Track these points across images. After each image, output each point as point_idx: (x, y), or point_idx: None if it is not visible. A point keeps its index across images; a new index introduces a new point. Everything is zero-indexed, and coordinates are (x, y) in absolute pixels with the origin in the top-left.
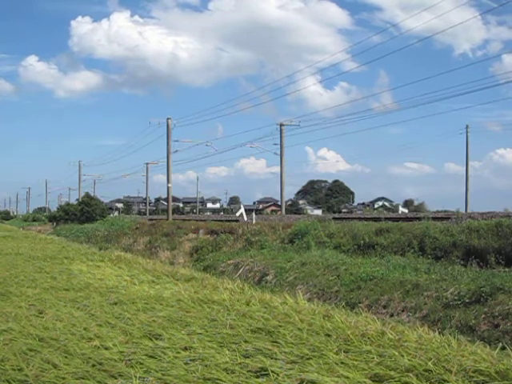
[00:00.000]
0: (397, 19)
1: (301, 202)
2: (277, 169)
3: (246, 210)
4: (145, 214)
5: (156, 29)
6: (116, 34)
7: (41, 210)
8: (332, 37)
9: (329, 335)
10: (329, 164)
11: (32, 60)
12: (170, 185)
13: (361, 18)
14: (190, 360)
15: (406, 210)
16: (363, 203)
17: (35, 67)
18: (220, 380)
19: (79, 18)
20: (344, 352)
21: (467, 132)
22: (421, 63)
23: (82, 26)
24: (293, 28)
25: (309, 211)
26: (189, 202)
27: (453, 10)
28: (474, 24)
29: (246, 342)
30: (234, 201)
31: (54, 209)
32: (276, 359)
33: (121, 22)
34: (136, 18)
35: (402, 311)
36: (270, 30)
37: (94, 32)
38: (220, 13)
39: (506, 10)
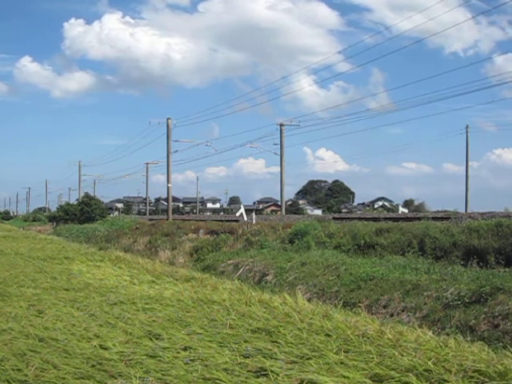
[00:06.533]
0: (387, 20)
1: (301, 202)
2: (276, 169)
3: (246, 210)
4: (145, 214)
5: (147, 30)
6: (109, 35)
7: (41, 210)
8: (323, 37)
9: (329, 335)
10: (327, 164)
11: (26, 61)
12: (170, 185)
13: (351, 18)
14: (190, 360)
15: (406, 210)
16: (363, 203)
17: (30, 68)
18: (220, 380)
19: (72, 20)
20: (344, 352)
21: (467, 132)
22: (417, 63)
23: (74, 28)
24: (284, 29)
25: (309, 211)
26: (189, 202)
27: (448, 11)
28: (468, 24)
29: (245, 341)
30: (234, 201)
31: (53, 209)
32: (276, 359)
33: (113, 23)
34: (127, 19)
35: (402, 311)
36: (261, 30)
37: (87, 33)
38: (210, 14)
39: (498, 10)
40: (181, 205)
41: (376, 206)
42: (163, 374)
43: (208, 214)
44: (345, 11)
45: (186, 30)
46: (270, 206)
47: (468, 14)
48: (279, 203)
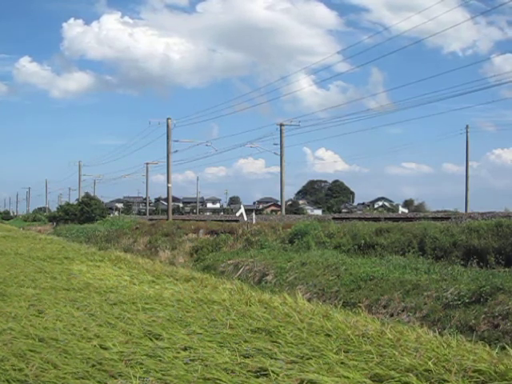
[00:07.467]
0: (385, 20)
1: (301, 202)
2: (275, 169)
3: (246, 210)
4: (145, 214)
5: (146, 30)
6: (108, 35)
7: (41, 210)
8: (322, 37)
9: (329, 335)
10: (327, 164)
11: (26, 61)
12: (170, 185)
13: (349, 18)
14: (190, 360)
15: (406, 210)
16: (363, 203)
17: (29, 68)
18: (220, 380)
19: (71, 20)
20: (344, 352)
21: (467, 132)
22: (417, 63)
23: (73, 28)
24: (282, 29)
25: (309, 211)
26: (189, 202)
27: (447, 11)
28: (467, 25)
29: (245, 341)
30: (234, 201)
31: (53, 209)
32: (276, 359)
33: (111, 23)
34: (126, 19)
35: (402, 311)
36: (260, 30)
37: (85, 34)
38: (209, 14)
39: (497, 11)
40: (181, 205)
41: (376, 206)
42: (163, 374)
43: (208, 213)
44: (343, 11)
45: (184, 30)
46: (270, 205)
47: (467, 14)
48: (279, 203)
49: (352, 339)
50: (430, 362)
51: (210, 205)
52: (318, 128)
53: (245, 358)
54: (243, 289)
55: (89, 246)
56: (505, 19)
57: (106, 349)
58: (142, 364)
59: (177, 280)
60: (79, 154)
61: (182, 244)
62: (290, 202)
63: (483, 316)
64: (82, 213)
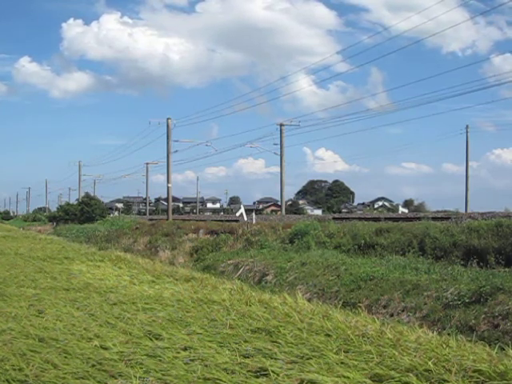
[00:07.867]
0: (385, 20)
1: (301, 201)
2: (275, 169)
3: (246, 210)
4: (145, 214)
5: (146, 30)
6: (107, 35)
7: (41, 210)
8: (321, 38)
9: (329, 335)
10: (327, 164)
11: (25, 61)
12: (170, 185)
13: (349, 18)
14: (190, 360)
15: (406, 210)
16: (363, 203)
17: (29, 68)
18: (220, 380)
19: (70, 20)
20: (344, 352)
21: (467, 132)
22: (416, 63)
23: (73, 28)
24: (282, 29)
25: (309, 211)
26: (189, 202)
27: (447, 11)
28: (467, 25)
29: (245, 341)
30: (234, 201)
31: (53, 209)
32: (276, 359)
33: (111, 23)
34: (126, 19)
35: (402, 311)
36: (259, 31)
37: (85, 34)
38: (208, 14)
39: (496, 11)
40: (181, 205)
41: (376, 206)
42: (163, 374)
43: (208, 213)
44: (343, 11)
45: (183, 30)
46: (270, 205)
47: (466, 14)
48: (279, 203)
49: (352, 339)
50: (430, 362)
51: (210, 205)
52: (318, 128)
53: (245, 357)
54: (243, 289)
55: (89, 246)
56: (504, 19)
57: (106, 349)
58: (142, 364)
59: (177, 280)
60: (79, 154)
61: (182, 244)
62: (290, 202)
63: (483, 316)
64: (82, 213)
